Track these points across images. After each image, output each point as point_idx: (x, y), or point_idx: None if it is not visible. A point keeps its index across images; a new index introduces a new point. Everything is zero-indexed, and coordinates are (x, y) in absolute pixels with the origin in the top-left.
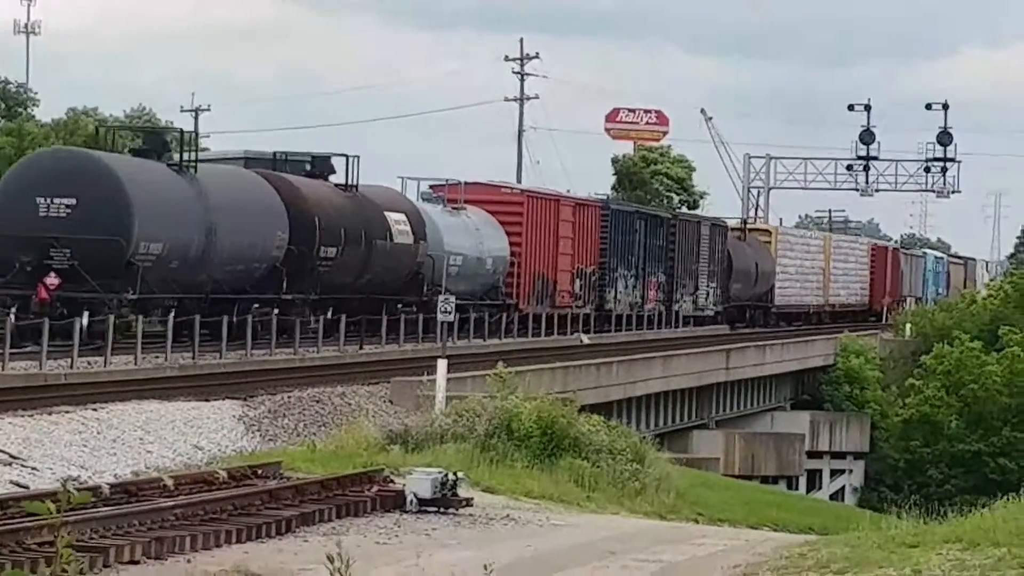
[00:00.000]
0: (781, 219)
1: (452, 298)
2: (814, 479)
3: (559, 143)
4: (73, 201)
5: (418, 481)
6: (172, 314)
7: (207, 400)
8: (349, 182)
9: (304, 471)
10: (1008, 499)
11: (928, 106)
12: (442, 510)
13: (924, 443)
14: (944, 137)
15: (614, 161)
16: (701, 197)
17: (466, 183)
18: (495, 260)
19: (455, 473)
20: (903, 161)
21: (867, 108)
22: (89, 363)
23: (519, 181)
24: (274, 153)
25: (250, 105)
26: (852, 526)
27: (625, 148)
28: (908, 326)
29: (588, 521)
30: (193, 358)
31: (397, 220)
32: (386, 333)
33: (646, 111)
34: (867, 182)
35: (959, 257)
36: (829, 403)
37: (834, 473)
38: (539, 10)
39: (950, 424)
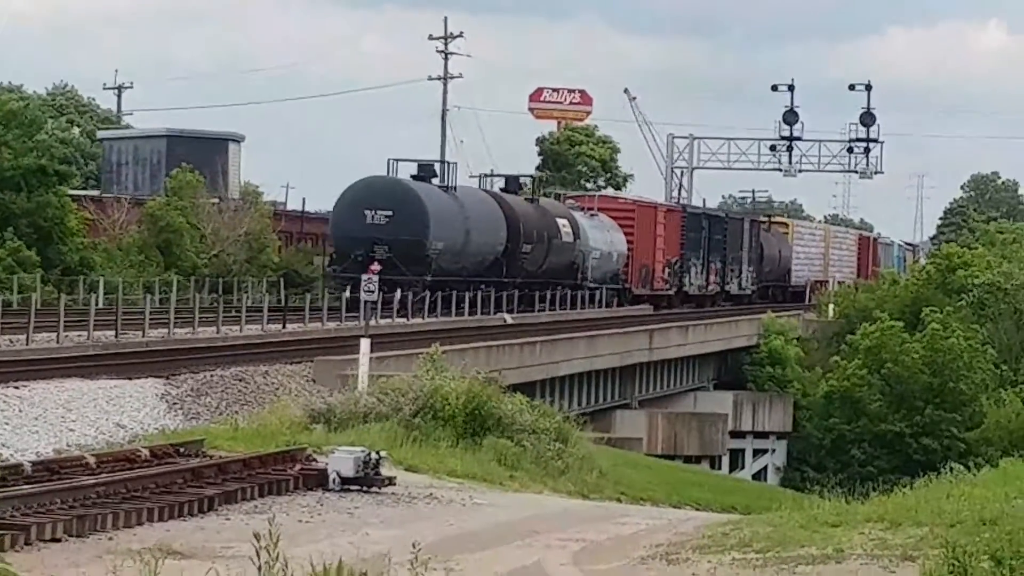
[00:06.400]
0: (704, 200)
1: (375, 278)
2: (737, 459)
3: (484, 123)
4: (390, 212)
5: (341, 460)
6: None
7: (129, 378)
8: (533, 196)
9: (226, 450)
10: (930, 479)
11: (852, 87)
12: (365, 489)
13: (846, 421)
14: (867, 118)
15: (539, 141)
16: (625, 180)
17: (599, 195)
18: (618, 254)
19: (378, 452)
20: (826, 142)
21: (791, 88)
22: (11, 341)
23: (442, 160)
24: None
25: (175, 83)
26: (775, 506)
27: (549, 128)
28: (831, 307)
29: (511, 500)
30: (116, 336)
31: (563, 223)
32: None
33: (570, 91)
34: (791, 162)
35: (909, 244)
36: (752, 383)
37: (757, 453)
38: None
39: (872, 403)
